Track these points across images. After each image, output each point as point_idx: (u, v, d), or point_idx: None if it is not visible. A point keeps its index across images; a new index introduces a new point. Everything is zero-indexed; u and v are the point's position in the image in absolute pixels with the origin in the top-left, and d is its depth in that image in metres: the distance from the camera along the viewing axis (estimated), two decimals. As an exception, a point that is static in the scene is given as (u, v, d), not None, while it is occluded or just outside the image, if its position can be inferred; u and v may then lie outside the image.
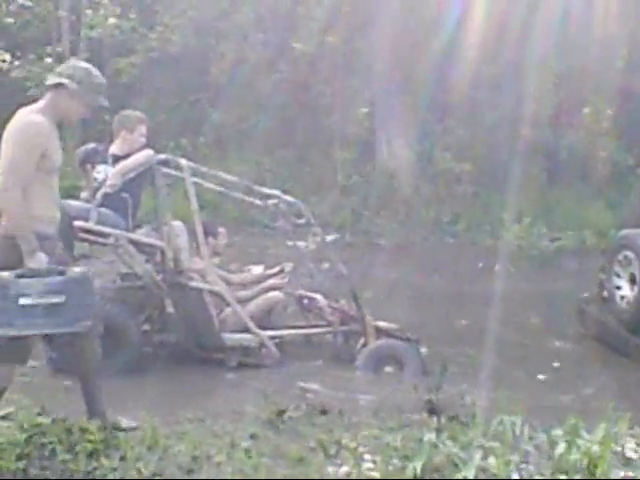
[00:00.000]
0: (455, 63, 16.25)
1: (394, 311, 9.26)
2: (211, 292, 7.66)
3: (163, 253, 7.62)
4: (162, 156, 7.92)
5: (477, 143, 16.72)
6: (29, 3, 18.07)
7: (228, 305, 7.78)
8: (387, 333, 7.83)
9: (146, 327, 7.66)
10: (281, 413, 5.54)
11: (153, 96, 17.50)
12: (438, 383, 5.91)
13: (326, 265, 8.38)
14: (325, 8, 17.08)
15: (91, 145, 8.24)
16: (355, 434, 5.22)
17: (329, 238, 8.07)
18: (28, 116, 4.92)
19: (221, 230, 8.43)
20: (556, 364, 8.42)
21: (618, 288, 8.94)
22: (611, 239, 9.87)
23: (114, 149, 7.90)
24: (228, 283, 8.03)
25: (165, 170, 7.88)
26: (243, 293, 8.06)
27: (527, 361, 8.44)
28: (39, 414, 5.11)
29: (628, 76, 16.26)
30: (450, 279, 12.27)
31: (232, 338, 7.63)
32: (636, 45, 16.26)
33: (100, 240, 7.51)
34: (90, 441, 4.76)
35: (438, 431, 5.07)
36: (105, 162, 7.85)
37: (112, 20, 17.38)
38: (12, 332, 4.64)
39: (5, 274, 4.65)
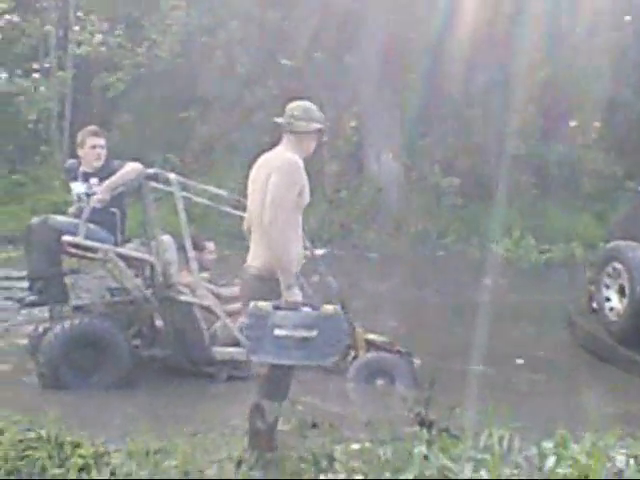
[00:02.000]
0: (443, 76, 16.32)
1: (384, 324, 9.26)
2: (201, 306, 7.65)
3: (152, 267, 7.61)
4: (151, 170, 7.93)
5: (465, 156, 16.75)
6: (16, 19, 18.05)
7: (218, 319, 7.77)
8: (378, 346, 7.82)
9: (136, 342, 7.63)
10: (275, 424, 5.51)
11: (140, 111, 17.49)
12: (428, 396, 5.89)
13: (315, 278, 8.35)
14: (312, 23, 17.10)
15: (71, 161, 8.26)
16: (346, 447, 5.21)
17: (318, 252, 8.04)
18: (287, 155, 5.14)
19: (209, 245, 8.41)
20: (546, 375, 8.43)
21: (607, 300, 8.95)
22: (600, 251, 9.88)
23: (82, 166, 7.88)
24: (218, 297, 8.01)
25: (154, 184, 7.88)
26: (233, 307, 8.03)
27: (518, 372, 8.44)
28: (29, 429, 5.08)
29: (614, 87, 16.31)
30: (440, 292, 12.27)
31: (222, 352, 7.61)
32: (622, 55, 16.33)
33: (89, 255, 7.50)
34: (81, 456, 4.74)
35: (429, 444, 5.05)
36: (77, 179, 7.83)
37: (99, 37, 17.37)
38: (265, 359, 4.91)
39: (264, 305, 4.86)
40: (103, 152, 7.84)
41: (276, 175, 5.04)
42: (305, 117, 5.31)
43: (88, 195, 7.65)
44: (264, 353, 4.88)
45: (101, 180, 7.62)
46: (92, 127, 8.09)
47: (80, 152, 7.90)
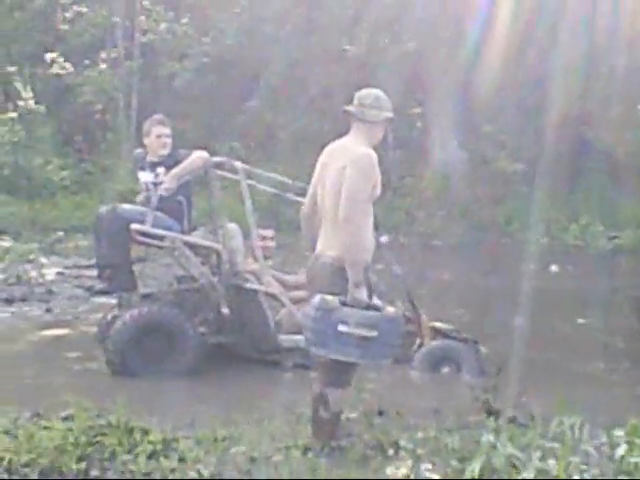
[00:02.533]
0: (507, 60, 16.17)
1: (450, 311, 9.21)
2: (266, 293, 7.68)
3: (219, 255, 7.66)
4: (217, 159, 7.98)
5: (532, 143, 16.59)
6: (84, 10, 18.27)
7: (284, 306, 7.80)
8: (443, 334, 7.78)
9: (202, 329, 7.69)
10: (339, 413, 5.52)
11: (205, 100, 17.61)
12: (495, 384, 5.86)
13: (380, 266, 8.34)
14: (375, 10, 17.07)
15: (138, 151, 8.32)
16: (413, 435, 5.21)
17: (383, 239, 8.01)
18: (360, 148, 5.09)
19: (266, 232, 8.36)
20: (614, 362, 8.32)
21: (677, 287, 8.82)
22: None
23: (149, 156, 7.93)
24: (283, 284, 8.04)
25: (220, 173, 7.93)
26: (298, 294, 8.04)
27: (585, 360, 8.34)
28: (99, 416, 5.15)
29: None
30: (506, 279, 12.17)
31: (288, 339, 7.64)
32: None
33: (156, 243, 7.57)
34: (150, 442, 4.81)
35: (496, 432, 5.02)
36: (144, 169, 7.88)
37: (164, 25, 17.52)
38: (324, 353, 4.93)
39: (332, 299, 4.90)
40: (169, 141, 7.88)
41: (352, 170, 4.98)
42: (377, 106, 5.25)
43: (155, 184, 7.70)
44: (324, 347, 4.90)
45: (167, 169, 7.66)
46: (158, 116, 8.12)
47: (146, 141, 7.94)
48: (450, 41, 16.24)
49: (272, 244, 8.44)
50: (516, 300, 10.92)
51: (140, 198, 7.89)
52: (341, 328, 4.85)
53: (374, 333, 4.88)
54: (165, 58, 17.69)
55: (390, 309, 5.02)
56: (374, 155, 5.08)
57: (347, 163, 5.01)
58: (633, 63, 16.09)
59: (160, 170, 7.73)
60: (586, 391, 6.92)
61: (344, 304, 4.89)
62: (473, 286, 11.70)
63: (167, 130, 7.90)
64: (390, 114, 5.30)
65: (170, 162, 7.71)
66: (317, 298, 4.91)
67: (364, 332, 4.87)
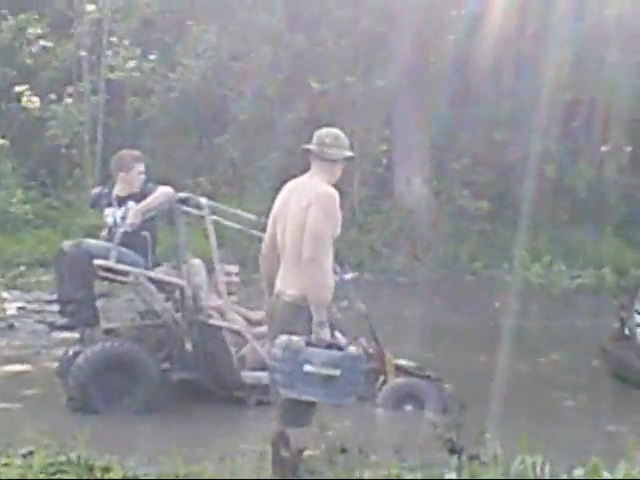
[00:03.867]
0: (472, 99, 16.31)
1: (413, 349, 9.22)
2: (230, 330, 7.66)
3: (182, 291, 7.64)
4: (182, 194, 7.98)
5: (495, 180, 16.71)
6: (50, 44, 18.22)
7: (247, 342, 7.77)
8: (407, 371, 7.79)
9: (165, 365, 7.65)
10: (300, 452, 5.50)
11: (172, 135, 17.59)
12: (458, 421, 5.86)
13: (344, 303, 8.35)
14: (344, 47, 17.17)
15: (97, 189, 8.34)
16: (375, 473, 5.19)
17: (347, 276, 8.03)
18: (323, 186, 5.10)
19: (231, 268, 8.31)
20: (576, 401, 8.36)
21: (639, 326, 8.88)
22: (632, 277, 9.81)
23: (117, 191, 7.91)
24: (248, 321, 8.02)
25: (184, 208, 7.93)
26: (262, 330, 8.02)
27: (547, 398, 8.37)
28: (58, 453, 5.09)
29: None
30: (469, 316, 12.22)
31: (251, 376, 7.62)
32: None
33: (120, 278, 7.55)
34: (110, 480, 4.77)
35: (458, 470, 5.03)
36: (110, 205, 7.87)
37: (132, 63, 17.50)
38: (292, 394, 4.91)
39: (297, 339, 4.88)
40: (144, 177, 7.94)
41: (315, 209, 4.99)
42: (336, 144, 5.30)
43: (125, 219, 7.68)
44: (293, 388, 4.90)
45: (138, 203, 7.66)
46: (136, 152, 8.17)
47: (124, 177, 7.86)
48: (417, 79, 16.35)
49: (237, 280, 8.41)
50: (480, 338, 10.98)
51: (104, 233, 7.87)
52: (307, 368, 4.86)
53: (337, 372, 4.89)
54: (131, 93, 17.67)
55: (352, 348, 5.04)
56: (336, 193, 5.10)
57: (311, 202, 5.02)
58: (589, 100, 16.30)
59: (131, 204, 7.71)
60: (549, 429, 6.93)
61: (309, 344, 4.89)
62: (437, 323, 11.72)
63: (143, 166, 7.96)
64: (349, 153, 5.36)
65: (139, 197, 7.71)
66: (283, 339, 4.89)
67: (329, 371, 4.88)
